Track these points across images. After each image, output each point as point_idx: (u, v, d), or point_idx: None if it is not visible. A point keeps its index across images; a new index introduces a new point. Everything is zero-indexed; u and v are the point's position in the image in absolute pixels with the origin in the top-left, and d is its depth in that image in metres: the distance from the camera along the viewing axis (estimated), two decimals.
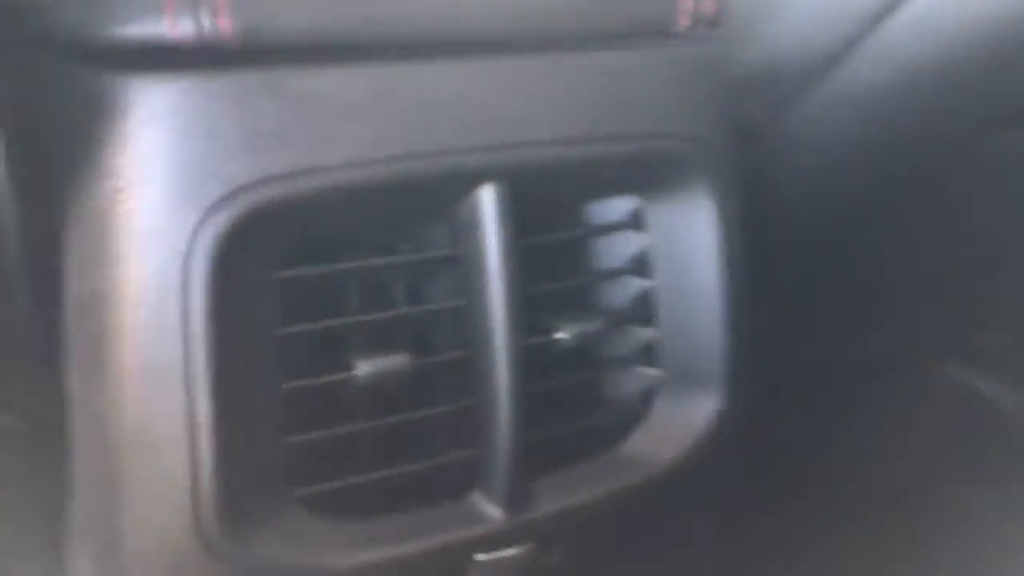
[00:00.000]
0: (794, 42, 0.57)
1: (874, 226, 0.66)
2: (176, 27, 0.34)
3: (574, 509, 0.47)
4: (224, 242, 0.36)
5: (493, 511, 0.44)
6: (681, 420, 0.50)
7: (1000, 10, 0.48)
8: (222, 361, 0.37)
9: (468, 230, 0.42)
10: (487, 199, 0.41)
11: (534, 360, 0.46)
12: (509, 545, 0.45)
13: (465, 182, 0.41)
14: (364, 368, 0.41)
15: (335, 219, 0.40)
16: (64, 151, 0.37)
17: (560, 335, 0.46)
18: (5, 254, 0.40)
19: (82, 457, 0.40)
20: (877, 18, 0.51)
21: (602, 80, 0.44)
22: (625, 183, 0.47)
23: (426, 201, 0.42)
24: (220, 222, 0.36)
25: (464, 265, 0.42)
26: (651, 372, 0.50)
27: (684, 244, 0.48)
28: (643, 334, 0.50)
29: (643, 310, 0.49)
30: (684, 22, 0.45)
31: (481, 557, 0.45)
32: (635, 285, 0.49)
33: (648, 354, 0.50)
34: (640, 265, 0.49)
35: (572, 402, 0.49)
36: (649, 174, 0.47)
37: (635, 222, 0.48)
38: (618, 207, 0.48)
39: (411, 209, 0.42)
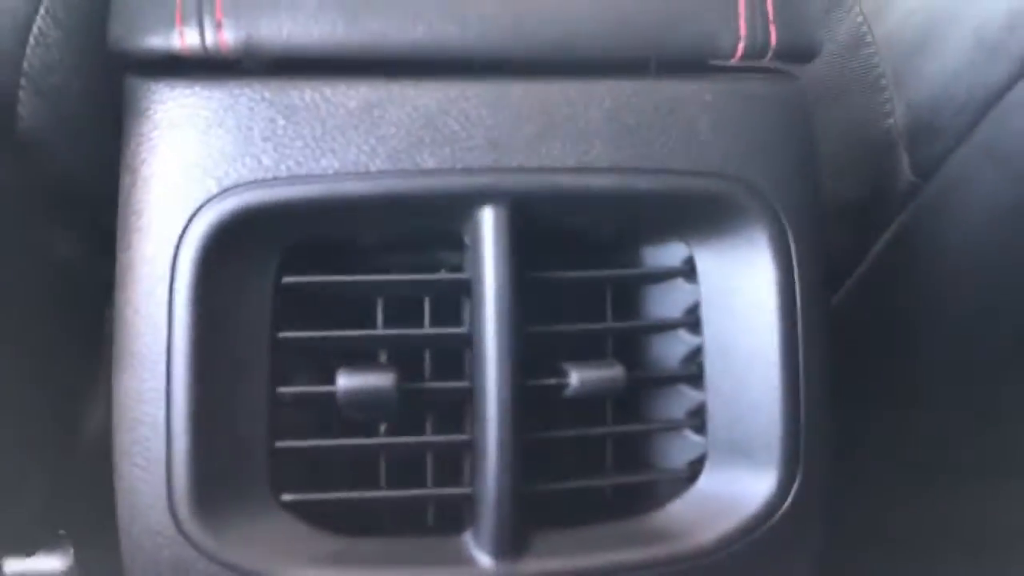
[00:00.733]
0: (949, 90, 0.50)
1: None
2: (184, 39, 0.38)
3: (581, 571, 0.43)
4: (212, 238, 0.39)
5: (481, 557, 0.42)
6: (726, 497, 0.44)
7: None
8: (202, 354, 0.39)
9: (471, 254, 0.41)
10: (487, 223, 0.40)
11: (562, 407, 0.44)
12: None
13: (463, 203, 0.40)
14: (344, 382, 0.41)
15: (334, 229, 0.41)
16: (106, 149, 0.41)
17: (569, 380, 0.43)
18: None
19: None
20: None
21: (638, 109, 0.41)
22: (667, 224, 0.44)
23: (426, 219, 0.41)
24: (209, 218, 0.38)
25: (470, 291, 0.41)
26: (700, 439, 0.45)
27: (738, 299, 0.44)
28: (693, 396, 0.45)
29: (694, 369, 0.45)
30: (739, 53, 0.41)
31: None
32: (687, 341, 0.45)
33: (697, 419, 0.45)
34: (693, 319, 0.45)
35: (609, 460, 0.46)
36: (695, 217, 0.43)
37: (688, 271, 0.44)
38: (672, 254, 0.45)
39: (413, 226, 0.42)
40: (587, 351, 0.45)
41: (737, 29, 0.41)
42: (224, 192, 0.38)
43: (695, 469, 0.45)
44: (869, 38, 0.56)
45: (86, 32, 0.45)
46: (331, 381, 0.42)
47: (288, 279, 0.41)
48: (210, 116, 0.39)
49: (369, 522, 0.44)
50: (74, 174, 0.51)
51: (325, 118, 0.39)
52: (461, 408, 0.43)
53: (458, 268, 0.43)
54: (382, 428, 0.44)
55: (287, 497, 0.42)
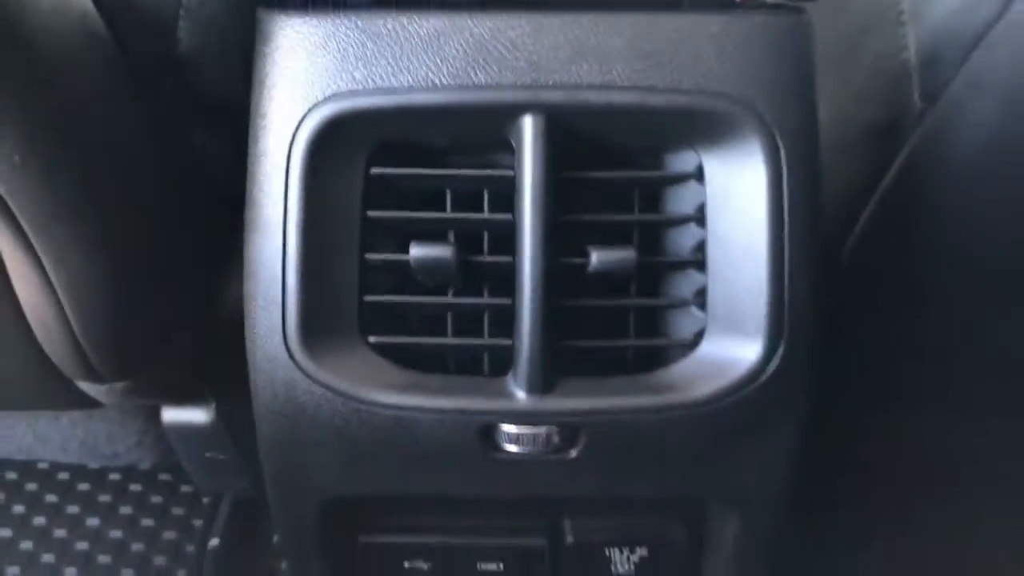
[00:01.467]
0: (951, 20, 0.57)
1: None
2: None
3: (598, 412, 0.54)
4: (316, 135, 0.51)
5: (518, 393, 0.54)
6: (720, 360, 0.54)
7: None
8: (309, 224, 0.52)
9: (516, 156, 0.52)
10: (527, 129, 0.51)
11: (594, 284, 0.54)
12: (533, 425, 0.54)
13: (508, 113, 0.51)
14: (415, 252, 0.52)
15: (409, 131, 0.52)
16: (244, 67, 0.54)
17: (590, 259, 0.53)
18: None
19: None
20: None
21: (654, 38, 0.51)
22: (681, 136, 0.53)
23: (481, 126, 0.52)
24: (314, 120, 0.51)
25: (515, 185, 0.52)
26: (702, 314, 0.55)
27: (737, 200, 0.53)
28: (699, 279, 0.55)
29: (700, 257, 0.54)
30: None
31: (507, 427, 0.54)
32: (695, 233, 0.55)
33: (701, 298, 0.55)
34: (701, 215, 0.54)
35: (631, 328, 0.57)
36: (703, 130, 0.52)
37: (698, 175, 0.54)
38: (686, 160, 0.54)
39: (471, 130, 0.53)
40: (617, 241, 0.55)
41: None
42: (326, 100, 0.50)
43: (697, 338, 0.55)
44: None
45: None
46: (407, 252, 0.54)
47: (375, 170, 0.53)
48: (317, 40, 0.50)
49: (436, 363, 0.56)
50: (219, 87, 0.65)
51: (402, 43, 0.50)
52: (510, 279, 0.54)
53: (511, 168, 0.54)
54: (450, 292, 0.56)
55: (372, 339, 0.54)
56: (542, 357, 0.53)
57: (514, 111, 0.51)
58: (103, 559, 1.15)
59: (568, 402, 0.54)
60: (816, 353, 0.55)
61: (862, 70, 0.66)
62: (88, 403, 0.77)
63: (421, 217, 0.54)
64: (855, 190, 0.71)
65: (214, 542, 1.03)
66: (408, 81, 0.50)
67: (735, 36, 0.51)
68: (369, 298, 0.54)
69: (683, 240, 0.55)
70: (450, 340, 0.55)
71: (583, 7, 0.51)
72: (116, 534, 1.18)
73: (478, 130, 0.53)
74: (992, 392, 0.81)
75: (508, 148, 0.53)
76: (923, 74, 0.60)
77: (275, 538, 1.04)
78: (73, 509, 1.20)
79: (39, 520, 1.19)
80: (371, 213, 0.53)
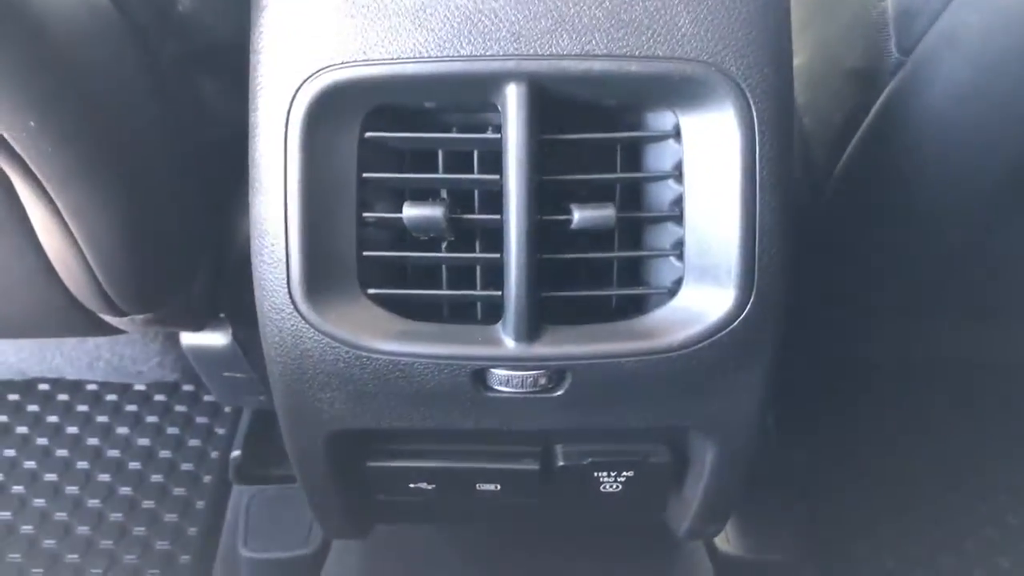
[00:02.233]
0: None
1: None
2: None
3: (581, 357, 0.58)
4: (312, 103, 0.54)
5: (507, 340, 0.58)
6: (696, 308, 0.58)
7: None
8: (308, 185, 0.55)
9: (502, 120, 0.55)
10: (511, 96, 0.53)
11: (580, 239, 0.58)
12: (521, 370, 0.59)
13: (493, 81, 0.53)
14: (408, 211, 0.56)
15: (400, 98, 0.55)
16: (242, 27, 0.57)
17: (573, 217, 0.56)
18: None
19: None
20: None
21: (631, 9, 0.53)
22: (659, 98, 0.55)
23: (467, 92, 0.55)
24: (310, 89, 0.54)
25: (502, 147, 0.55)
26: (680, 264, 0.58)
27: (712, 157, 0.56)
28: (676, 232, 0.58)
29: (678, 211, 0.58)
30: None
31: (497, 371, 0.59)
32: (674, 189, 0.58)
33: (679, 250, 0.58)
34: (678, 172, 0.57)
35: (614, 278, 0.60)
36: (680, 92, 0.55)
37: (676, 134, 0.57)
38: (665, 120, 0.57)
39: (459, 97, 0.55)
40: (600, 198, 0.58)
41: None
42: (320, 71, 0.53)
43: (675, 287, 0.59)
44: None
45: None
46: (402, 211, 0.57)
47: (369, 134, 0.56)
48: (311, 13, 0.53)
49: (431, 313, 0.60)
50: (219, 42, 0.67)
51: (391, 15, 0.52)
52: (500, 235, 0.57)
53: (499, 130, 0.57)
54: (444, 247, 0.60)
55: (371, 291, 0.58)
56: (529, 307, 0.57)
57: (498, 80, 0.53)
58: (133, 465, 1.23)
59: (554, 348, 0.58)
60: (785, 301, 0.58)
61: (845, 16, 0.68)
62: (111, 330, 0.82)
63: (414, 178, 0.57)
64: (838, 129, 0.73)
65: (235, 453, 1.09)
66: (397, 52, 0.53)
67: (710, 4, 0.53)
68: (367, 253, 0.58)
69: (662, 195, 0.58)
70: (444, 292, 0.59)
71: None
72: (144, 442, 1.25)
73: (465, 97, 0.55)
74: (962, 302, 0.86)
75: (496, 110, 0.56)
76: (899, 26, 0.61)
77: None
78: (103, 419, 1.28)
79: (72, 429, 1.26)
80: (366, 175, 0.56)
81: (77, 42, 0.56)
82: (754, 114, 0.54)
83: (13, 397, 1.30)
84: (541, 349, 0.58)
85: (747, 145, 0.55)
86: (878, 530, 1.11)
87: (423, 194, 0.58)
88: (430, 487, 0.71)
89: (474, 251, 0.59)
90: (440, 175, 0.57)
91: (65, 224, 0.64)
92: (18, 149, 0.57)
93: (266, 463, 1.11)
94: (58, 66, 0.55)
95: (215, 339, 0.94)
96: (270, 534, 1.05)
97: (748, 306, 0.57)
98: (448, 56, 0.53)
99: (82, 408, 1.29)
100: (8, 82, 0.53)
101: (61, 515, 1.17)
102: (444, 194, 0.58)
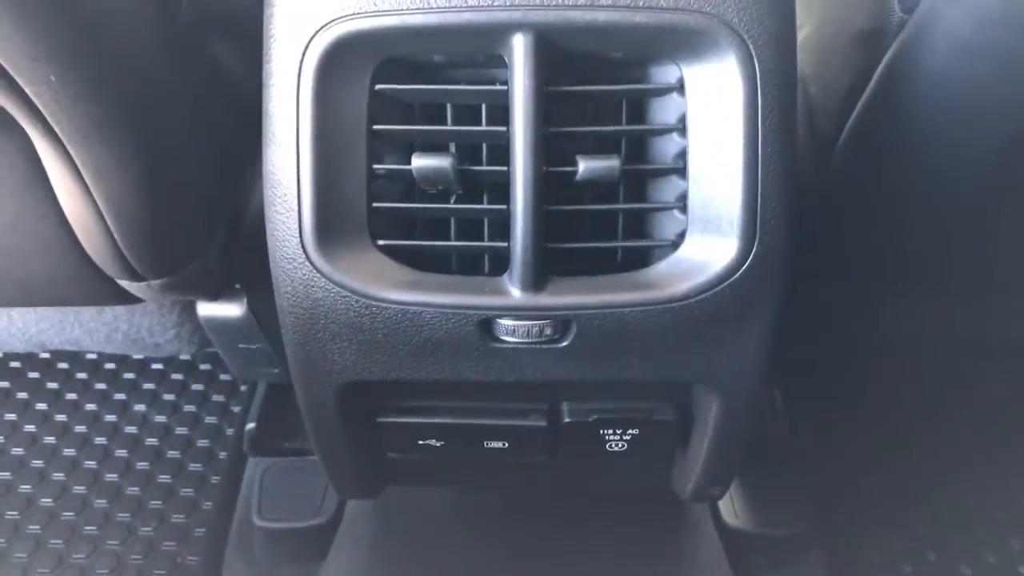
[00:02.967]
0: None
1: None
2: None
3: (586, 306, 0.59)
4: (323, 54, 0.55)
5: (513, 290, 0.59)
6: (700, 260, 0.59)
7: None
8: (319, 137, 0.56)
9: (509, 71, 0.56)
10: (517, 46, 0.55)
11: (586, 191, 0.59)
12: (527, 319, 0.60)
13: (499, 31, 0.55)
14: (417, 161, 0.57)
15: (410, 50, 0.57)
16: None
17: (578, 168, 0.58)
18: None
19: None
20: None
21: None
22: (664, 51, 0.57)
23: (474, 43, 0.56)
24: (321, 41, 0.55)
25: (509, 99, 0.57)
26: (683, 217, 0.60)
27: (715, 110, 0.57)
28: (680, 184, 0.59)
29: (681, 164, 0.59)
30: None
31: (504, 321, 0.60)
32: (678, 142, 0.59)
33: (682, 202, 0.59)
34: (682, 125, 0.58)
35: (619, 231, 0.62)
36: (683, 45, 0.56)
37: (680, 87, 0.58)
38: (669, 73, 0.58)
39: (466, 48, 0.57)
40: (606, 151, 0.59)
41: None
42: (331, 22, 0.55)
43: (679, 239, 0.60)
44: None
45: None
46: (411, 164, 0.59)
47: (380, 87, 0.57)
48: None
49: (440, 265, 0.62)
50: (234, 12, 0.69)
51: None
52: (507, 187, 0.58)
53: (506, 83, 0.58)
54: (452, 199, 0.61)
55: (381, 242, 0.60)
56: (535, 257, 0.58)
57: (505, 30, 0.55)
58: (151, 441, 1.25)
59: (559, 298, 0.59)
60: (788, 253, 0.59)
61: None
62: (129, 299, 0.83)
63: (424, 130, 0.59)
64: (843, 95, 0.74)
65: (250, 425, 1.11)
66: (406, 3, 0.54)
67: None
68: (377, 205, 0.59)
69: (666, 148, 0.60)
70: (452, 243, 0.61)
71: None
72: (161, 419, 1.27)
73: (472, 48, 0.57)
74: (970, 276, 0.87)
75: (504, 64, 0.57)
76: None
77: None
78: (120, 396, 1.30)
79: (90, 406, 1.29)
80: (377, 127, 0.58)
81: None
82: (756, 65, 0.55)
83: (33, 375, 1.32)
84: (547, 299, 0.59)
85: (749, 96, 0.56)
86: (885, 509, 1.11)
87: (432, 147, 0.59)
88: (439, 444, 0.73)
89: (482, 203, 0.60)
90: (448, 127, 0.59)
91: (85, 186, 0.66)
92: (39, 105, 0.59)
93: (280, 436, 1.12)
94: (79, 19, 0.57)
95: (231, 310, 0.96)
96: (284, 504, 1.07)
97: (751, 257, 0.58)
98: (455, 6, 0.54)
99: (100, 386, 1.31)
100: (30, 35, 0.55)
101: (80, 488, 1.19)
102: (452, 148, 0.60)
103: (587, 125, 0.59)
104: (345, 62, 0.56)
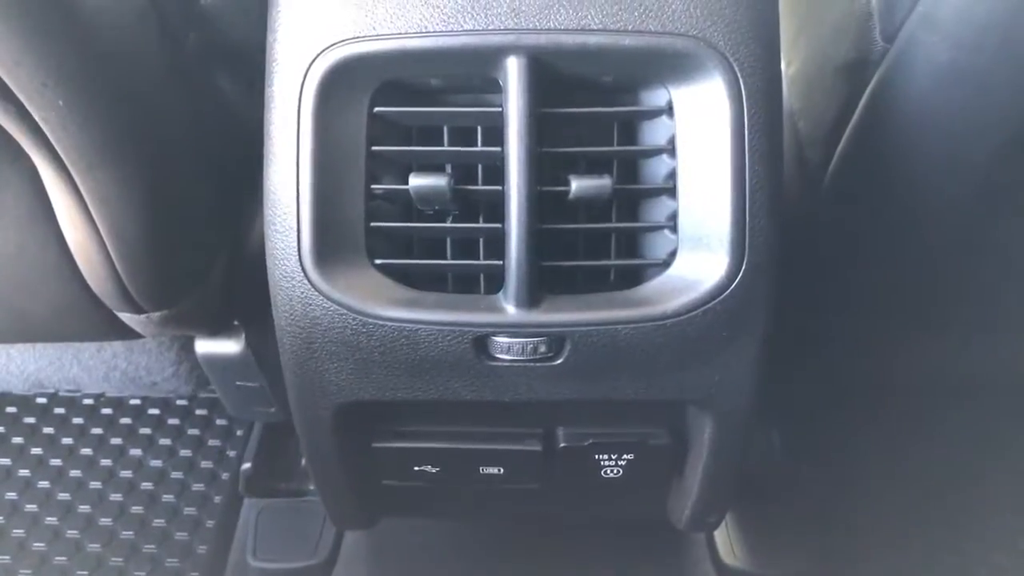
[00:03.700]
0: None
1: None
2: None
3: (579, 324, 0.60)
4: (324, 77, 0.57)
5: (508, 307, 0.60)
6: (691, 277, 0.60)
7: None
8: (319, 157, 0.58)
9: (504, 94, 0.58)
10: (511, 69, 0.57)
11: (579, 212, 0.60)
12: (521, 336, 0.61)
13: (493, 55, 0.57)
14: (414, 181, 0.59)
15: (407, 73, 0.58)
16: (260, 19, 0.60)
17: (571, 187, 0.59)
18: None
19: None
20: None
21: None
22: (652, 74, 0.59)
23: (470, 66, 0.58)
24: (322, 64, 0.57)
25: (503, 120, 0.58)
26: (674, 237, 0.61)
27: (704, 131, 0.59)
28: (671, 204, 0.61)
29: (671, 184, 0.60)
30: None
31: (499, 338, 0.61)
32: (667, 163, 0.60)
33: (673, 221, 0.61)
34: (672, 147, 0.60)
35: (612, 249, 0.63)
36: (672, 68, 0.58)
37: (669, 110, 0.60)
38: (659, 96, 0.60)
39: (462, 72, 0.59)
40: (598, 172, 0.61)
41: None
42: (332, 46, 0.57)
43: (670, 258, 0.61)
44: None
45: None
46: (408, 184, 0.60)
47: (378, 109, 0.59)
48: None
49: (436, 284, 0.63)
50: (238, 36, 0.71)
51: None
52: (502, 207, 0.60)
53: (501, 106, 0.60)
54: (449, 219, 0.62)
55: (378, 261, 0.61)
56: (529, 274, 0.59)
57: (499, 53, 0.57)
58: (145, 485, 1.24)
59: (553, 315, 0.60)
60: (776, 270, 0.60)
61: (835, 16, 0.72)
62: (128, 334, 0.84)
63: (420, 151, 0.61)
64: (830, 126, 0.76)
65: (246, 465, 1.11)
66: (404, 27, 0.56)
67: None
68: (375, 224, 0.60)
69: (657, 170, 0.61)
70: (448, 262, 0.62)
71: None
72: (157, 463, 1.27)
73: (469, 71, 0.58)
74: (961, 306, 0.88)
75: (498, 88, 0.59)
76: (883, 14, 0.65)
77: (302, 461, 1.12)
78: (116, 440, 1.30)
79: (86, 451, 1.28)
80: (375, 148, 0.59)
81: (106, 24, 0.60)
82: (742, 86, 0.57)
83: (29, 419, 1.32)
84: (541, 316, 0.60)
85: (736, 116, 0.57)
86: (884, 549, 1.11)
87: (429, 168, 0.60)
88: (435, 470, 0.73)
89: (477, 222, 0.61)
90: (445, 148, 0.60)
91: (89, 214, 0.67)
92: (46, 131, 0.61)
93: (276, 477, 1.12)
94: (88, 46, 0.59)
95: (229, 346, 0.96)
96: (279, 545, 1.06)
97: (740, 273, 0.59)
98: (452, 31, 0.56)
99: (96, 431, 1.31)
100: (41, 60, 0.57)
101: (73, 532, 1.18)
102: (449, 169, 0.61)
103: (580, 147, 0.60)
104: (345, 85, 0.58)
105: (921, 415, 1.19)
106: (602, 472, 0.73)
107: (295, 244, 0.60)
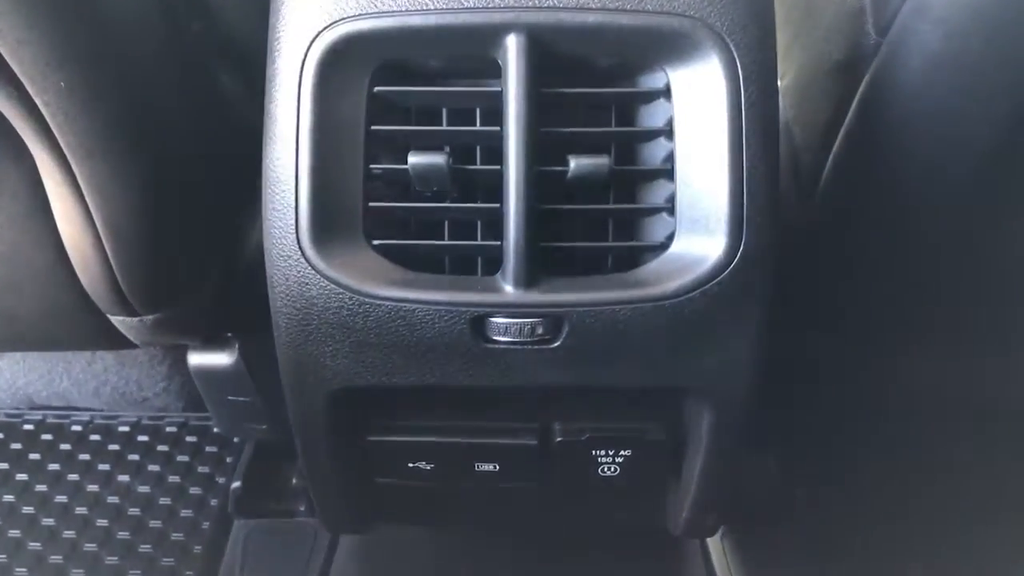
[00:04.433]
0: None
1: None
2: None
3: (577, 304, 0.60)
4: (324, 55, 0.58)
5: (506, 287, 0.60)
6: (688, 259, 0.60)
7: None
8: (319, 136, 0.58)
9: (503, 73, 0.58)
10: (511, 47, 0.57)
11: (577, 192, 0.61)
12: (519, 316, 0.60)
13: (493, 32, 0.57)
14: (413, 159, 0.59)
15: (407, 52, 0.59)
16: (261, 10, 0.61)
17: (569, 166, 0.59)
18: None
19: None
20: None
21: None
22: (651, 56, 0.59)
23: (469, 44, 0.58)
24: (323, 42, 0.57)
25: (502, 99, 0.59)
26: (672, 219, 0.61)
27: (701, 113, 0.59)
28: (668, 187, 0.61)
29: (669, 167, 0.61)
30: None
31: (496, 320, 0.61)
32: (665, 145, 0.61)
33: (671, 204, 0.61)
34: (669, 129, 0.60)
35: (610, 232, 0.63)
36: (669, 49, 0.58)
37: (667, 92, 0.60)
38: (657, 79, 0.61)
39: (462, 50, 0.59)
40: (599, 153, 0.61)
41: None
42: (332, 24, 0.57)
43: (668, 240, 0.61)
44: None
45: None
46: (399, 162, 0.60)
47: (378, 89, 0.59)
48: None
49: (433, 266, 0.63)
50: (241, 32, 0.72)
51: None
52: (500, 188, 0.60)
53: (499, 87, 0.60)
54: (447, 200, 0.62)
55: (376, 241, 0.61)
56: (527, 254, 0.59)
57: (499, 31, 0.57)
58: (133, 511, 1.22)
59: (551, 296, 0.60)
60: (774, 250, 0.60)
61: (827, 17, 0.73)
62: (120, 342, 0.83)
63: (420, 130, 0.61)
64: (824, 129, 0.77)
65: (236, 484, 1.09)
66: (405, 5, 0.57)
67: None
68: (373, 204, 0.60)
69: (654, 152, 0.62)
70: (446, 243, 0.62)
71: None
72: (144, 489, 1.25)
73: (468, 49, 0.59)
74: (960, 321, 0.87)
75: (497, 72, 0.59)
76: (875, 7, 0.66)
77: (293, 480, 1.11)
78: (104, 467, 1.27)
79: (72, 476, 1.26)
80: (374, 127, 0.60)
81: (110, 5, 0.60)
82: (739, 67, 0.58)
83: (16, 446, 1.30)
84: (539, 296, 0.60)
85: (732, 95, 0.58)
86: (882, 571, 1.09)
87: (428, 148, 0.61)
88: (429, 467, 0.72)
89: (475, 203, 0.62)
90: (444, 127, 0.61)
91: (86, 208, 0.67)
92: (47, 115, 0.61)
93: (266, 496, 1.10)
94: (91, 26, 0.60)
95: (221, 359, 0.95)
96: (268, 566, 1.04)
97: (738, 253, 0.59)
98: (452, 8, 0.57)
99: (83, 457, 1.29)
100: (45, 39, 0.57)
101: (56, 559, 1.16)
102: (447, 151, 0.61)
103: (577, 127, 0.61)
104: (346, 63, 0.58)
105: (920, 440, 1.18)
106: (599, 470, 0.72)
107: (293, 223, 0.59)
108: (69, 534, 1.19)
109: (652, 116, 0.61)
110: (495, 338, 0.61)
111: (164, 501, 1.23)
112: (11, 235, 0.74)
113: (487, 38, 0.58)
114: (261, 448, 1.13)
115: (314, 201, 0.59)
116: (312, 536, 1.06)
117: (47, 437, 1.31)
